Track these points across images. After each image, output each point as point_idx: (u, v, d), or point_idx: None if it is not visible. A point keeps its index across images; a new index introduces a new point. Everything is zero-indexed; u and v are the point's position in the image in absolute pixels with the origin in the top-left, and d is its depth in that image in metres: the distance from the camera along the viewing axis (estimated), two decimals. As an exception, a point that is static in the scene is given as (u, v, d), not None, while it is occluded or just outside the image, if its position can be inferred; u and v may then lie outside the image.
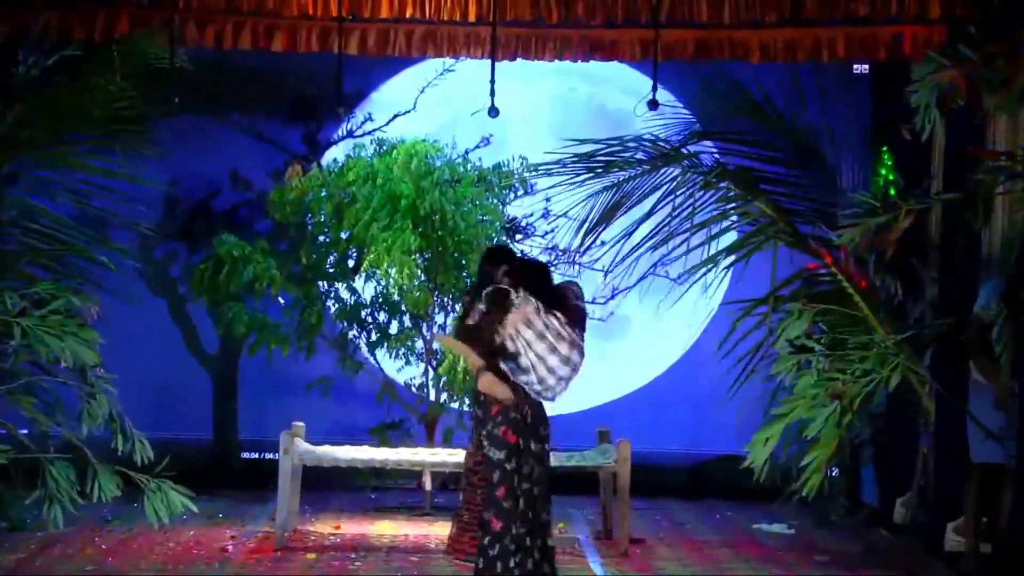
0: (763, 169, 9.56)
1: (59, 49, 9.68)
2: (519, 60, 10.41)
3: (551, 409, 7.64)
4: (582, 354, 7.40)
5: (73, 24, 9.74)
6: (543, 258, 11.15)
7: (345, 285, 11.60)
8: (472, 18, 9.76)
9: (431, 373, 11.39)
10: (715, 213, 8.98)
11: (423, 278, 11.17)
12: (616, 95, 12.68)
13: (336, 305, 11.64)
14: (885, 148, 10.74)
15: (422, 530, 10.36)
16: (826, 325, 8.73)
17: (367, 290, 11.58)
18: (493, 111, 9.65)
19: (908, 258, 9.57)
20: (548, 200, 10.42)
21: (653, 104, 9.60)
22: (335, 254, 11.61)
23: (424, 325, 11.43)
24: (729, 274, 9.06)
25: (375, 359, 11.69)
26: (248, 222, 12.60)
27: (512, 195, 11.60)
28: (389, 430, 11.59)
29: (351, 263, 11.58)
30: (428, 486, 10.80)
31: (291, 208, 11.36)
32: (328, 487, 11.89)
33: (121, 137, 9.54)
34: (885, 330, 8.53)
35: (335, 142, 12.82)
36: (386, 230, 10.91)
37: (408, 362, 11.56)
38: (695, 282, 8.83)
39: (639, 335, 12.90)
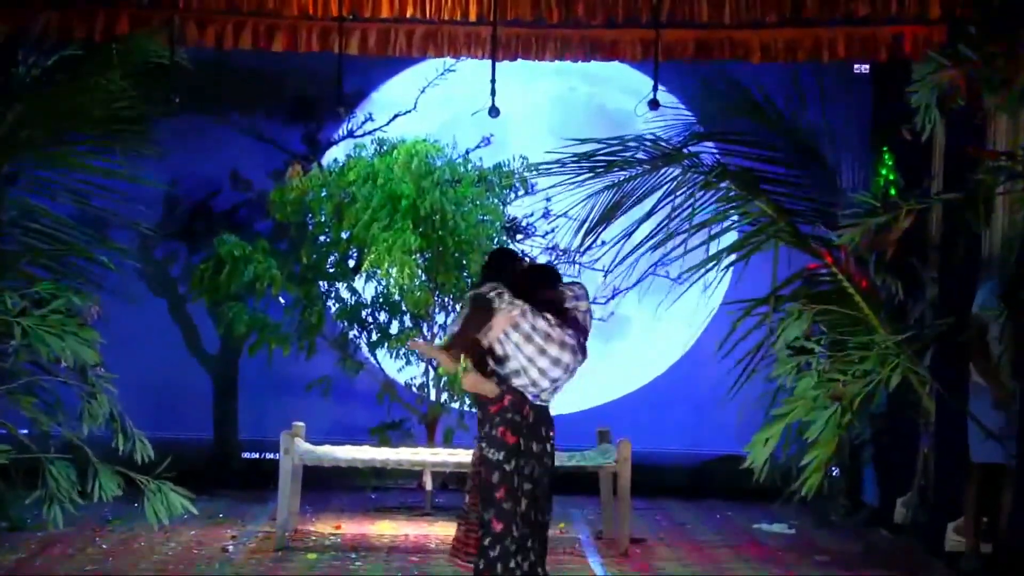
0: (763, 169, 9.56)
1: (59, 49, 9.67)
2: (519, 60, 10.41)
3: (552, 409, 7.64)
4: (576, 354, 7.39)
5: (73, 24, 9.74)
6: (543, 259, 11.18)
7: (346, 285, 11.60)
8: (473, 18, 9.76)
9: (431, 373, 11.40)
10: (715, 213, 8.98)
11: (424, 278, 11.17)
12: (616, 95, 12.68)
13: (337, 305, 11.64)
14: (885, 148, 10.74)
15: (422, 530, 10.36)
16: (826, 325, 8.73)
17: (368, 290, 11.58)
18: (494, 111, 9.65)
19: (908, 258, 9.57)
20: (548, 200, 10.42)
21: (653, 104, 9.59)
22: (336, 254, 11.62)
23: (425, 325, 11.43)
24: (729, 274, 9.06)
25: (375, 359, 11.69)
26: (248, 222, 12.60)
27: (512, 195, 11.61)
28: (389, 430, 11.59)
29: (352, 263, 11.58)
30: (428, 486, 10.81)
31: (291, 208, 11.36)
32: (328, 487, 11.89)
33: (121, 137, 9.55)
34: (885, 330, 8.52)
35: (335, 142, 12.82)
36: (387, 230, 10.90)
37: (408, 362, 11.56)
38: (695, 282, 8.82)
39: (639, 335, 12.90)
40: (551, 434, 7.55)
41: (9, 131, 9.27)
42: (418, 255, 11.05)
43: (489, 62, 9.81)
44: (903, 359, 8.31)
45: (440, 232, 11.05)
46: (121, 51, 9.54)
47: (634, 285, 9.25)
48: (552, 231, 11.18)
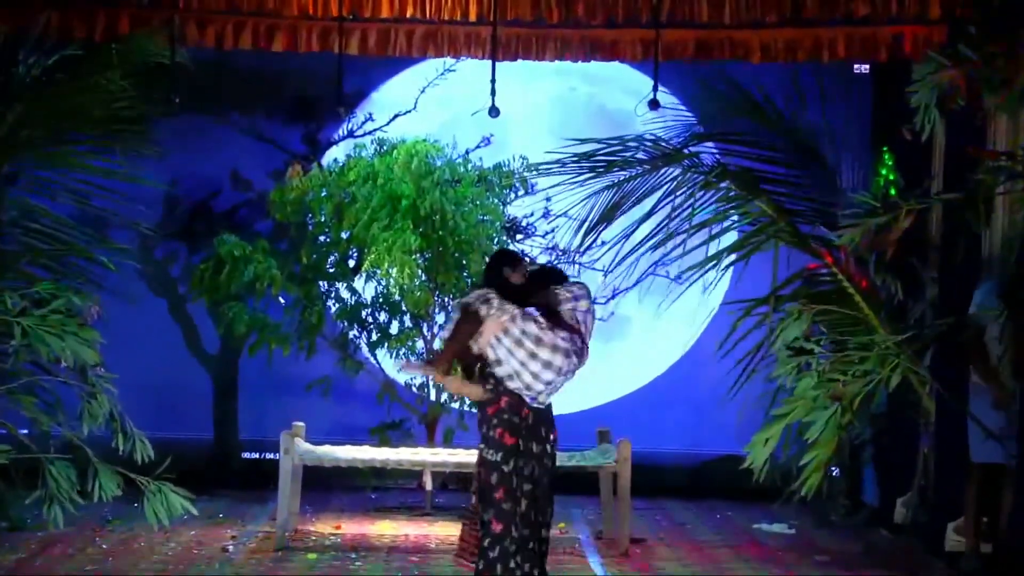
0: (763, 169, 9.55)
1: (59, 49, 9.67)
2: (520, 60, 10.41)
3: (554, 409, 7.65)
4: (569, 356, 7.38)
5: (73, 24, 9.74)
6: (543, 258, 11.18)
7: (346, 285, 11.60)
8: (473, 18, 9.76)
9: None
10: (715, 213, 8.98)
11: (424, 278, 11.17)
12: (617, 95, 12.68)
13: (337, 305, 11.65)
14: (885, 148, 10.74)
15: (422, 530, 10.36)
16: (826, 326, 8.73)
17: (368, 290, 11.58)
18: (494, 111, 9.65)
19: (909, 258, 9.56)
20: (548, 200, 10.41)
21: (653, 104, 9.59)
22: (336, 254, 11.62)
23: (425, 325, 11.43)
24: (729, 274, 9.05)
25: (376, 359, 11.69)
26: (248, 222, 12.61)
27: (512, 195, 11.61)
28: (389, 430, 11.60)
29: (352, 263, 11.58)
30: (429, 486, 10.81)
31: (291, 208, 11.36)
32: (328, 487, 11.90)
33: (121, 137, 9.54)
34: (885, 330, 8.52)
35: (335, 142, 12.82)
36: (387, 230, 10.91)
37: (409, 362, 11.55)
38: (695, 282, 8.82)
39: (639, 335, 12.90)
40: (552, 435, 7.55)
41: (9, 131, 9.27)
42: (418, 255, 11.05)
43: (489, 62, 9.81)
44: (903, 359, 8.31)
45: (440, 232, 11.05)
46: (121, 51, 9.53)
47: (634, 285, 9.24)
48: (552, 231, 11.19)
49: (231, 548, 9.42)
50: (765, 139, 9.65)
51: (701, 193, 8.96)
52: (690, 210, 8.89)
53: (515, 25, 10.06)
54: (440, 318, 11.40)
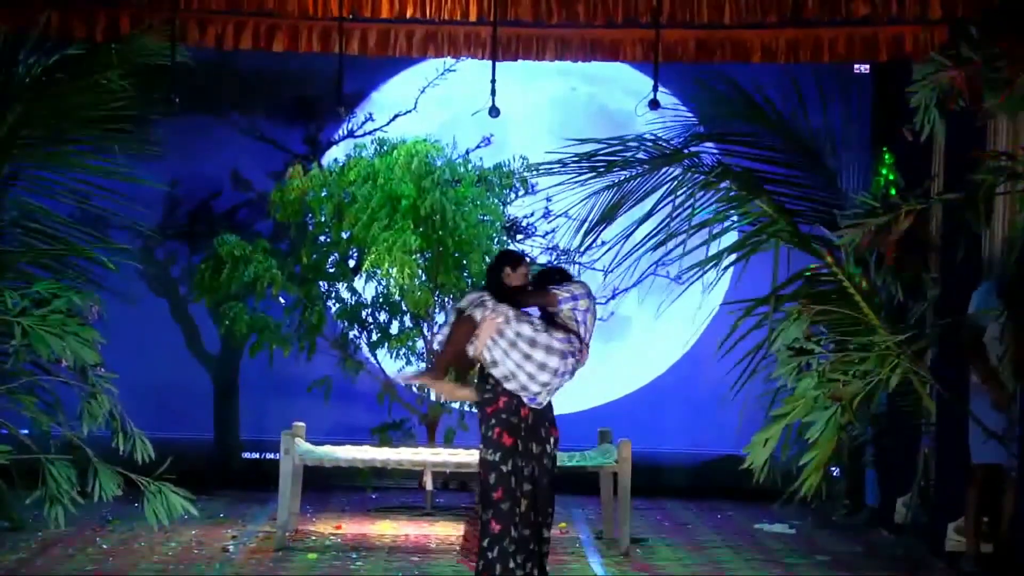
0: (763, 169, 9.57)
1: (59, 49, 9.67)
2: (520, 60, 10.40)
3: (555, 409, 7.65)
4: (565, 357, 7.38)
5: (73, 24, 9.73)
6: (544, 258, 11.18)
7: (346, 285, 11.60)
8: (473, 18, 9.75)
9: (432, 373, 11.38)
10: (716, 213, 8.98)
11: (424, 278, 11.17)
12: (617, 95, 12.68)
13: (337, 305, 11.65)
14: (885, 148, 10.74)
15: (423, 530, 10.36)
16: (827, 326, 8.73)
17: (368, 290, 11.59)
18: (494, 111, 9.65)
19: (909, 258, 9.55)
20: (549, 200, 10.41)
21: (654, 104, 9.58)
22: (336, 254, 11.62)
23: (425, 325, 11.43)
24: (729, 274, 9.06)
25: (376, 359, 11.69)
26: (249, 222, 12.61)
27: (513, 195, 11.61)
28: (390, 430, 11.61)
29: (352, 263, 11.59)
30: (429, 486, 10.79)
31: (292, 208, 11.36)
32: (329, 487, 11.90)
33: (121, 137, 9.55)
34: (886, 330, 8.53)
35: (336, 142, 12.83)
36: (387, 230, 10.91)
37: (409, 362, 11.56)
38: (695, 282, 8.83)
39: (639, 335, 12.90)
40: (553, 436, 7.55)
41: (9, 131, 9.27)
42: (418, 255, 11.05)
43: (489, 62, 9.80)
44: (903, 359, 8.32)
45: (440, 232, 11.05)
46: (121, 51, 9.53)
47: (634, 285, 9.25)
48: (552, 231, 11.20)
49: (231, 548, 9.42)
50: (765, 139, 9.67)
51: (701, 193, 8.96)
52: (690, 210, 8.90)
53: (515, 25, 10.05)
54: (440, 318, 11.41)
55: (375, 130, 12.39)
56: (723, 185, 8.98)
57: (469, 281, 11.16)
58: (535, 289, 7.63)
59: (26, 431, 8.90)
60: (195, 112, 11.26)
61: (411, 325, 11.46)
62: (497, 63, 9.76)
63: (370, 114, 12.72)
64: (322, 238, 11.58)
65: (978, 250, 9.07)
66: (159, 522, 8.82)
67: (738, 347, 8.73)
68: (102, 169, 9.70)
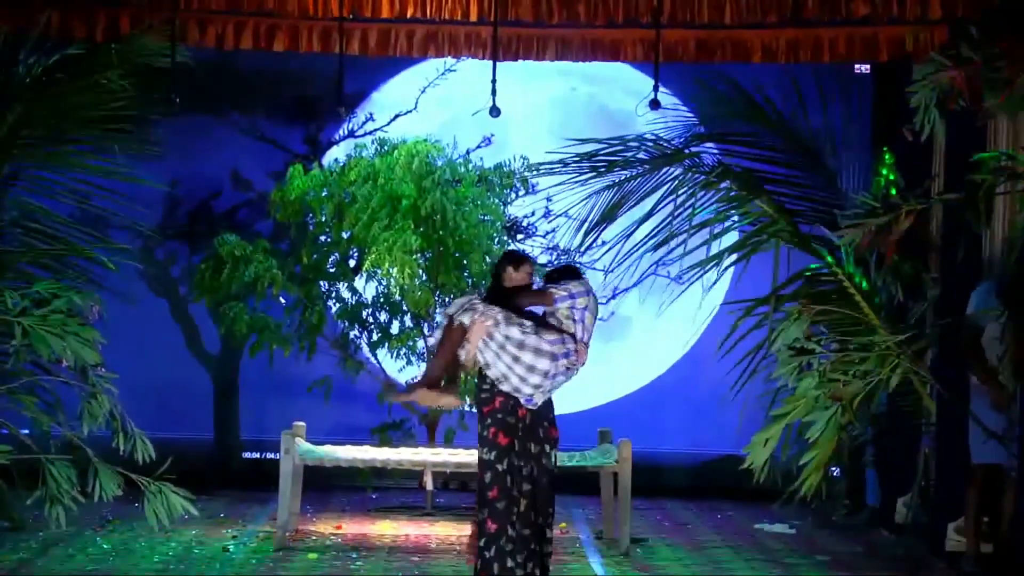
0: (764, 170, 9.56)
1: (59, 49, 9.67)
2: (520, 60, 10.40)
3: (555, 409, 7.65)
4: (556, 359, 7.37)
5: (73, 24, 9.73)
6: (544, 258, 11.18)
7: (346, 285, 11.60)
8: (473, 18, 9.76)
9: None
10: (716, 213, 8.98)
11: (424, 278, 11.17)
12: (618, 95, 12.68)
13: (337, 305, 11.65)
14: (886, 148, 10.74)
15: (423, 530, 10.36)
16: (827, 326, 8.73)
17: (368, 290, 11.59)
18: (494, 111, 9.66)
19: (909, 258, 9.55)
20: (549, 200, 10.42)
21: (654, 104, 9.59)
22: (336, 254, 11.62)
23: (425, 325, 11.43)
24: (729, 274, 9.06)
25: (376, 359, 11.69)
26: (249, 222, 12.62)
27: (513, 195, 11.61)
28: (390, 430, 11.61)
29: (352, 263, 11.59)
30: (429, 486, 10.80)
31: (292, 208, 11.36)
32: (329, 487, 11.90)
33: (121, 137, 9.55)
34: (886, 330, 8.53)
35: (336, 142, 12.83)
36: (387, 230, 10.91)
37: (409, 362, 11.57)
38: (695, 281, 8.83)
39: (639, 335, 12.90)
40: (552, 435, 7.54)
41: (9, 131, 9.27)
42: (418, 255, 11.05)
43: (490, 62, 9.80)
44: (903, 359, 8.32)
45: (440, 232, 11.05)
46: (121, 51, 9.53)
47: (634, 285, 9.26)
48: (553, 231, 11.20)
49: (231, 548, 9.42)
50: (765, 139, 9.66)
51: (702, 193, 8.96)
52: (691, 210, 8.90)
53: (516, 25, 10.06)
54: (440, 318, 11.40)
55: (376, 130, 12.40)
56: (723, 185, 8.98)
57: (469, 281, 11.16)
58: (532, 288, 7.63)
59: (26, 431, 8.90)
60: (195, 112, 11.26)
61: (412, 325, 11.46)
62: (497, 63, 9.77)
63: (371, 114, 12.72)
64: (322, 238, 11.58)
65: (978, 250, 9.06)
66: (159, 522, 8.82)
67: (738, 347, 8.73)
68: (102, 169, 9.70)
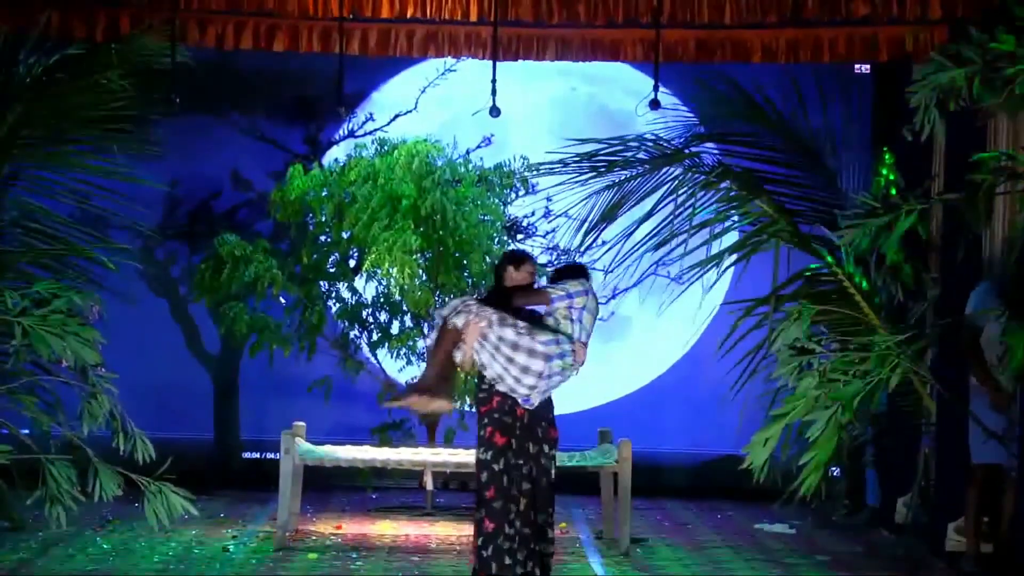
0: (764, 170, 9.56)
1: (60, 49, 9.67)
2: (520, 60, 10.41)
3: (555, 408, 7.65)
4: (550, 359, 7.36)
5: (73, 24, 9.74)
6: (544, 258, 11.18)
7: (346, 285, 11.60)
8: (473, 18, 9.76)
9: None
10: (716, 213, 8.99)
11: (424, 278, 11.18)
12: (618, 95, 12.68)
13: (337, 305, 11.65)
14: (886, 148, 10.74)
15: (423, 530, 10.36)
16: (827, 326, 8.73)
17: (368, 290, 11.59)
18: (494, 111, 9.66)
19: (909, 258, 9.56)
20: (549, 200, 10.42)
21: (654, 104, 9.60)
22: (336, 254, 11.62)
23: (425, 325, 11.43)
24: (729, 274, 9.07)
25: (376, 359, 11.69)
26: (249, 222, 12.62)
27: (513, 195, 11.61)
28: (390, 430, 11.61)
29: (352, 263, 11.59)
30: (429, 486, 10.80)
31: (292, 208, 11.36)
32: (329, 487, 11.90)
33: (121, 137, 9.55)
34: (885, 330, 8.52)
35: (336, 142, 12.83)
36: (387, 230, 10.91)
37: (409, 362, 11.56)
38: (695, 281, 8.83)
39: (640, 335, 12.90)
40: (551, 435, 7.54)
41: (9, 131, 9.27)
42: (418, 255, 11.05)
43: (490, 62, 9.81)
44: (903, 359, 8.32)
45: (440, 232, 11.05)
46: (121, 51, 9.53)
47: (635, 285, 9.26)
48: (553, 231, 11.20)
49: (231, 548, 9.42)
50: (765, 139, 9.66)
51: (702, 193, 8.97)
52: (691, 210, 8.91)
53: (516, 25, 10.06)
54: (437, 319, 11.40)
55: (376, 130, 12.40)
56: (723, 185, 8.99)
57: (469, 281, 11.17)
58: (530, 288, 7.62)
59: (26, 431, 8.91)
60: (195, 112, 11.26)
61: (412, 325, 11.46)
62: (497, 63, 9.78)
63: (371, 114, 12.72)
64: (322, 238, 11.58)
65: (978, 250, 9.07)
66: (159, 522, 8.83)
67: (738, 347, 8.74)
68: (102, 169, 9.70)
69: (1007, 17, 7.83)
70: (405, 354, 11.49)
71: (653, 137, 9.18)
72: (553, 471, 7.55)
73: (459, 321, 7.35)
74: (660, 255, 9.02)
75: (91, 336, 8.48)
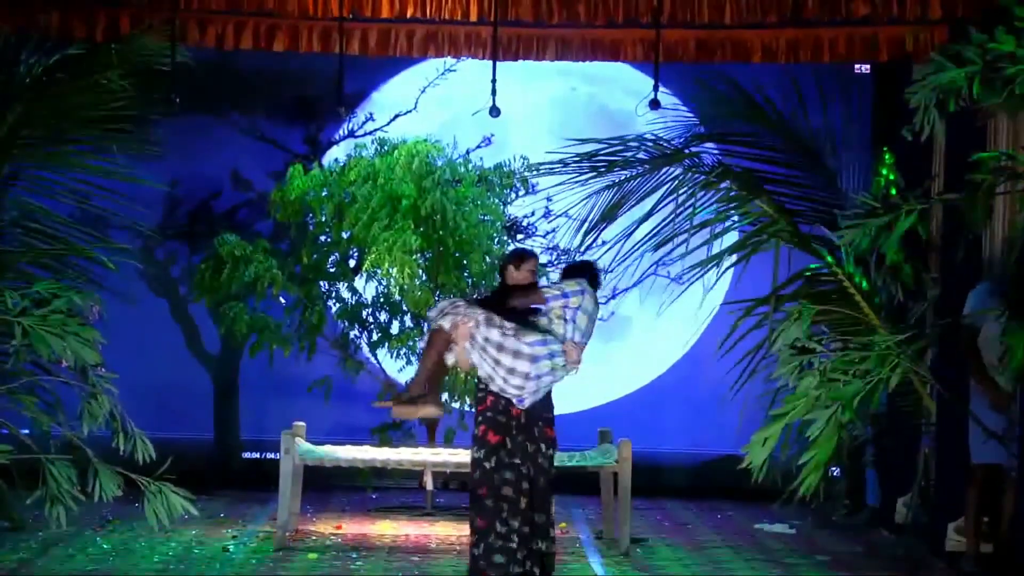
0: (764, 170, 9.56)
1: (60, 49, 9.68)
2: (520, 60, 10.41)
3: (555, 408, 7.65)
4: (537, 360, 7.37)
5: (74, 24, 9.74)
6: (544, 258, 11.18)
7: (346, 285, 11.60)
8: (473, 18, 9.76)
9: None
10: (716, 213, 8.99)
11: (424, 278, 11.18)
12: (618, 95, 12.68)
13: (337, 305, 11.65)
14: (886, 148, 10.74)
15: (423, 530, 10.37)
16: (827, 326, 8.72)
17: (368, 290, 11.59)
18: (494, 111, 9.66)
19: (909, 258, 9.56)
20: (549, 200, 10.43)
21: (654, 104, 9.60)
22: (336, 254, 11.63)
23: (425, 325, 11.42)
24: (730, 274, 9.07)
25: (376, 359, 11.69)
26: (249, 222, 12.61)
27: (513, 195, 11.62)
28: (390, 430, 11.61)
29: (352, 263, 11.59)
30: (429, 486, 10.80)
31: (292, 208, 11.37)
32: (329, 487, 11.90)
33: (121, 137, 9.55)
34: (885, 330, 8.52)
35: (336, 142, 12.83)
36: (387, 230, 10.91)
37: (409, 362, 11.56)
38: (695, 281, 8.83)
39: (640, 335, 12.90)
40: (548, 435, 7.54)
41: (9, 131, 9.28)
42: (418, 255, 11.06)
43: (490, 62, 9.81)
44: (903, 359, 8.32)
45: (440, 232, 11.06)
46: (121, 51, 9.54)
47: (635, 285, 9.26)
48: (553, 231, 11.20)
49: (231, 548, 9.42)
50: (765, 139, 9.66)
51: (702, 193, 8.98)
52: (691, 210, 8.91)
53: (516, 25, 10.06)
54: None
55: (375, 130, 12.40)
56: (723, 185, 8.99)
57: (469, 281, 11.17)
58: (528, 287, 7.62)
59: (26, 431, 8.91)
60: (195, 112, 11.26)
61: (412, 325, 11.46)
62: (497, 63, 9.78)
63: (370, 114, 12.72)
64: (322, 238, 11.58)
65: (978, 250, 9.07)
66: (159, 522, 8.83)
67: (738, 347, 8.73)
68: (102, 169, 9.70)
69: (1007, 17, 7.82)
70: (405, 354, 11.49)
71: (653, 137, 9.18)
72: (552, 470, 7.55)
73: (446, 323, 7.37)
74: (660, 255, 9.03)
75: (91, 336, 8.48)
